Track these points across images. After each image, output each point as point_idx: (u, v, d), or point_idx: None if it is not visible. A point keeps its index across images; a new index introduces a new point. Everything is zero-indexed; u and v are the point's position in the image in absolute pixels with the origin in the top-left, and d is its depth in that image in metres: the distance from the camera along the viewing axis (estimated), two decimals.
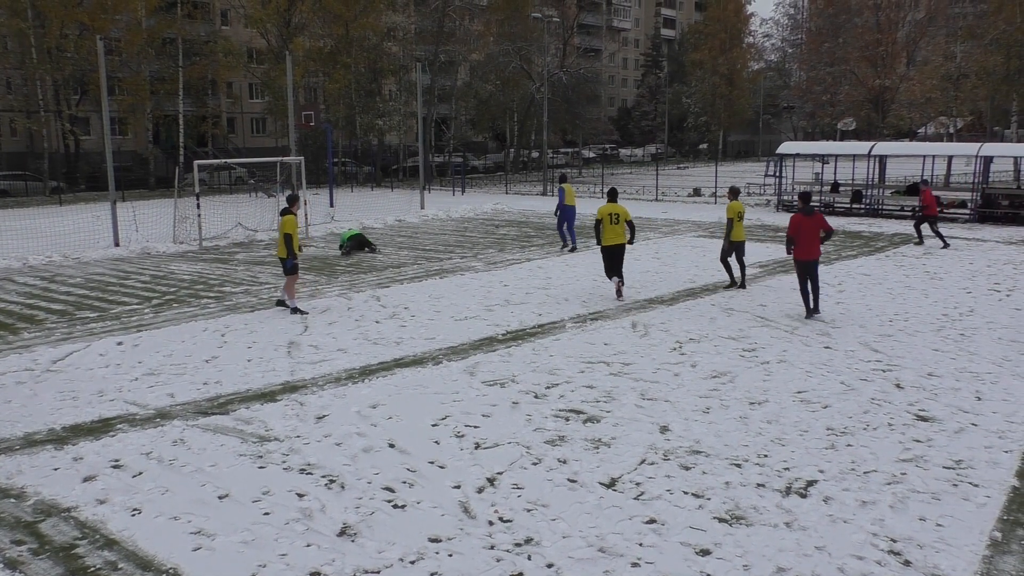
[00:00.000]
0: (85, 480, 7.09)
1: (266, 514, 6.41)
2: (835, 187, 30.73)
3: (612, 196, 14.75)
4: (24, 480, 7.12)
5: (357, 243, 20.67)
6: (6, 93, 48.80)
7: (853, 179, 32.28)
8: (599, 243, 14.39)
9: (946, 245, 19.69)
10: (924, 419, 8.23)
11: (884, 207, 28.00)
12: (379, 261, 19.09)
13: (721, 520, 6.19)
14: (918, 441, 7.66)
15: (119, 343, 11.82)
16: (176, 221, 22.89)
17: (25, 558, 5.82)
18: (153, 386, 9.70)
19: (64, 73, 46.83)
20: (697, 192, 37.82)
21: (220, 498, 6.70)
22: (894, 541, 5.84)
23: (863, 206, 28.11)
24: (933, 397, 8.89)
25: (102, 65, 23.04)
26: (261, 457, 7.51)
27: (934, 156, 29.33)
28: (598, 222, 14.31)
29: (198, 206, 22.29)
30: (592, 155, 77.05)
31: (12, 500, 6.75)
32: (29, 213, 33.41)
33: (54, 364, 10.77)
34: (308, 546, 5.91)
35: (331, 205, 32.48)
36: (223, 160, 31.75)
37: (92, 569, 5.62)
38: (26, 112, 48.42)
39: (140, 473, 7.18)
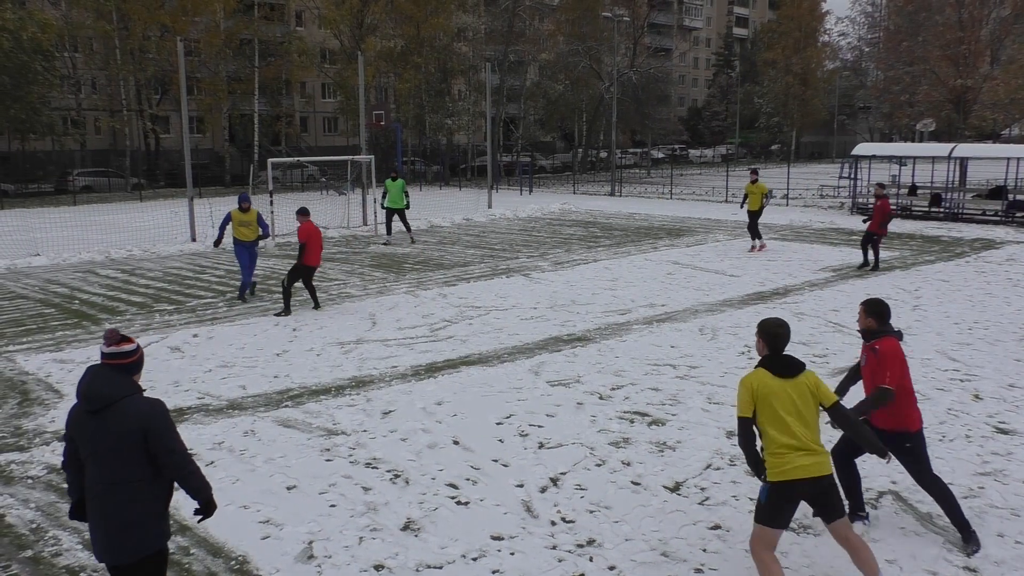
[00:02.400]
0: None
1: (332, 506, 6.52)
2: (913, 190, 29.84)
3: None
4: None
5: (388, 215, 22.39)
6: (92, 93, 50.75)
7: (932, 182, 31.30)
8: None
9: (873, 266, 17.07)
10: (1004, 432, 7.93)
11: (964, 211, 27.10)
12: (447, 260, 19.25)
13: (788, 528, 6.06)
14: (997, 454, 7.39)
15: (194, 335, 12.17)
16: None
17: None
18: (226, 378, 9.96)
19: (146, 73, 48.59)
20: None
21: (288, 489, 6.84)
22: (969, 557, 5.65)
23: (942, 210, 27.24)
24: (1014, 409, 8.56)
25: (182, 66, 23.76)
26: (328, 450, 7.65)
27: (1019, 159, 28.18)
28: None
29: (271, 203, 22.79)
30: (661, 155, 76.38)
31: None
32: (111, 208, 34.69)
33: None
34: (373, 539, 6.00)
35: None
36: (296, 158, 32.41)
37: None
38: (110, 111, 50.33)
39: (212, 463, 7.37)
